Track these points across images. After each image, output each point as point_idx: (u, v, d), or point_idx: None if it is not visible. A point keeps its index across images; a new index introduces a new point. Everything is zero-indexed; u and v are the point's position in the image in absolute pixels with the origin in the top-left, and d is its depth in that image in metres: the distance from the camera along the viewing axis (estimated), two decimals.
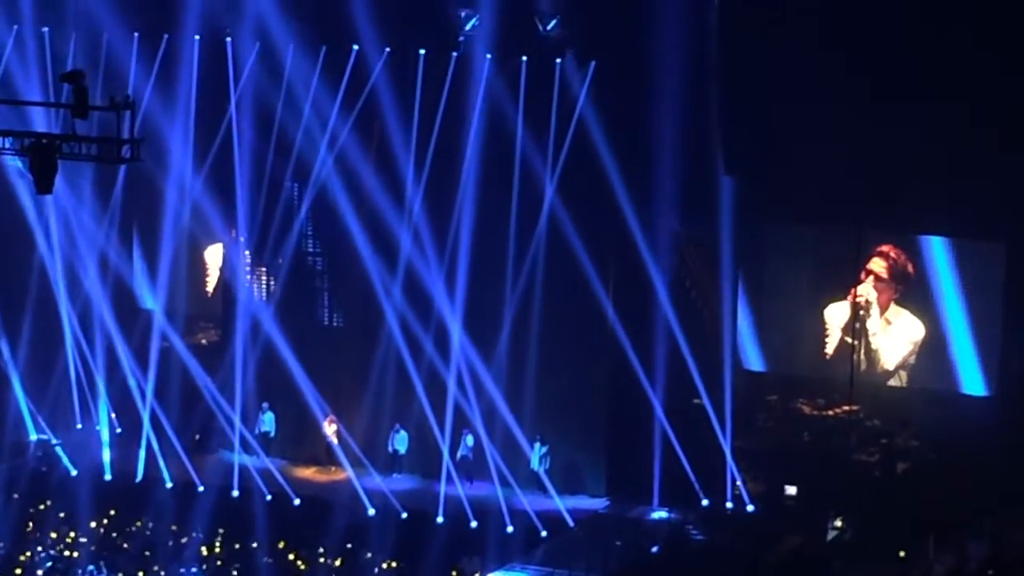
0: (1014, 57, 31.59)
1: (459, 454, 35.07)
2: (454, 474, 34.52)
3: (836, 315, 35.89)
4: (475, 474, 34.85)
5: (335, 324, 37.13)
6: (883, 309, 35.44)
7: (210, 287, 42.13)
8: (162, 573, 31.63)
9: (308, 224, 36.77)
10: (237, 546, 32.42)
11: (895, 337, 35.43)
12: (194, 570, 31.64)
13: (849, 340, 35.58)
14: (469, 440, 34.94)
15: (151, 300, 38.74)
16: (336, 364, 36.06)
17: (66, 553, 32.25)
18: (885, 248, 35.34)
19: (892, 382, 35.73)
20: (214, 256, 41.48)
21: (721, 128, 33.40)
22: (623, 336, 33.53)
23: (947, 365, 34.85)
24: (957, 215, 33.61)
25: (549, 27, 33.51)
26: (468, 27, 34.09)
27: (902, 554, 29.89)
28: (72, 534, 32.95)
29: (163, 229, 37.07)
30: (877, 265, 35.38)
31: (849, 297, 35.60)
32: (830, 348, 35.95)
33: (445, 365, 34.48)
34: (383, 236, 35.00)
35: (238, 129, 35.92)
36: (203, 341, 39.65)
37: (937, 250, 34.80)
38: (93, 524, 33.36)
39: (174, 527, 32.92)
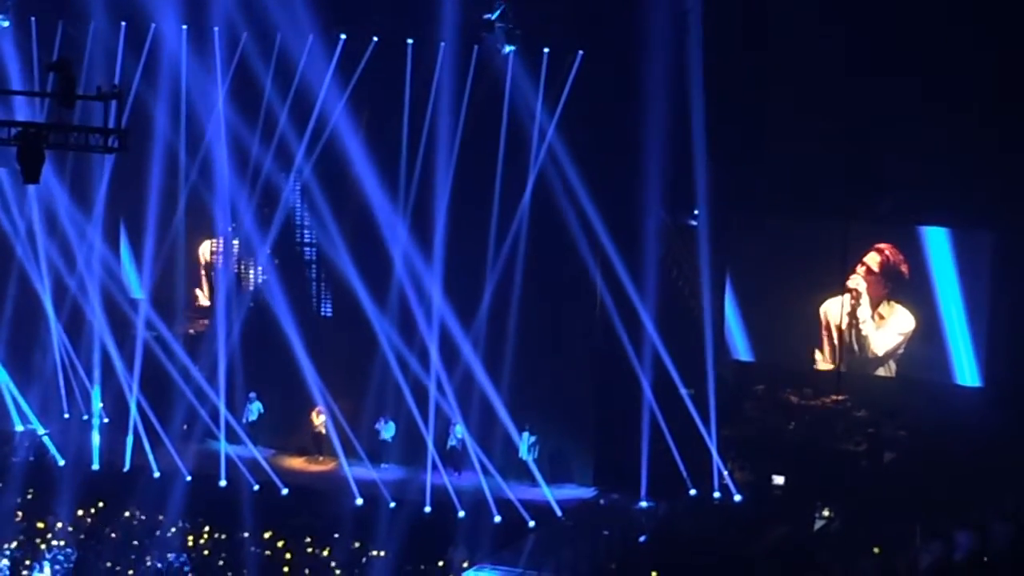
0: (1006, 48, 31.57)
1: (448, 444, 35.09)
2: (439, 464, 34.52)
3: (825, 306, 35.89)
4: (463, 464, 34.86)
5: (324, 314, 37.11)
6: (873, 301, 35.43)
7: (199, 277, 41.99)
8: (149, 562, 31.67)
9: (298, 214, 36.78)
10: (224, 536, 32.48)
11: (884, 328, 35.43)
12: (182, 559, 31.68)
13: (838, 331, 35.59)
14: (458, 430, 34.94)
15: (139, 290, 38.67)
16: (325, 354, 35.99)
17: (56, 543, 32.31)
18: (882, 245, 35.26)
19: (880, 372, 35.74)
20: (204, 245, 41.36)
21: (711, 118, 33.31)
22: (610, 326, 33.55)
23: (935, 355, 34.82)
24: (946, 204, 33.58)
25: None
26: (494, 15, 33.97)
27: (876, 551, 29.99)
28: (59, 524, 33.00)
29: (150, 218, 37.09)
30: (872, 259, 35.33)
31: (839, 288, 35.57)
32: (818, 338, 35.94)
33: (432, 355, 34.49)
34: (373, 226, 34.93)
35: (226, 119, 35.88)
36: (191, 331, 39.56)
37: (926, 240, 34.78)
38: (80, 513, 33.39)
39: (161, 516, 32.95)
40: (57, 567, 31.73)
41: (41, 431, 37.31)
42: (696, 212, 34.41)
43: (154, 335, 36.91)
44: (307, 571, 31.56)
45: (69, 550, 31.93)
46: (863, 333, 35.55)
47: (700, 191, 33.82)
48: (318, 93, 34.95)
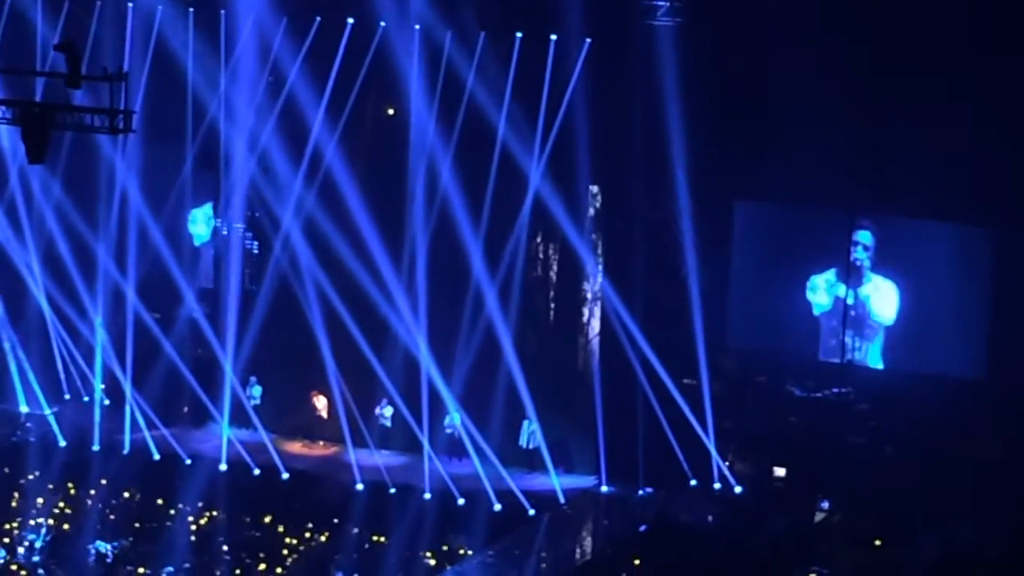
0: (1007, 42, 31.53)
1: (447, 431, 35.10)
2: (432, 453, 34.50)
3: (825, 297, 35.83)
4: (463, 452, 34.87)
5: (326, 298, 36.99)
6: (871, 292, 35.38)
7: (203, 259, 41.94)
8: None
9: (303, 199, 36.74)
10: (224, 519, 32.47)
11: (883, 321, 35.40)
12: (182, 542, 31.70)
13: (838, 323, 35.55)
14: (457, 418, 34.94)
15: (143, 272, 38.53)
16: (326, 338, 35.91)
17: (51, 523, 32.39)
18: (873, 231, 35.17)
19: (880, 365, 35.71)
20: (208, 228, 41.29)
21: (710, 107, 33.23)
22: (611, 315, 33.58)
23: (936, 349, 34.77)
24: (946, 199, 33.50)
25: None
26: None
27: (877, 542, 30.05)
28: (61, 504, 33.05)
29: (157, 198, 37.15)
30: (861, 253, 35.24)
31: (839, 279, 35.51)
32: (819, 331, 35.89)
33: (427, 342, 34.50)
34: (377, 210, 34.91)
35: (234, 101, 35.88)
36: (195, 313, 39.55)
37: (926, 234, 34.72)
38: (74, 491, 33.43)
39: (161, 499, 32.97)
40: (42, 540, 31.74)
41: (47, 411, 37.34)
42: (692, 199, 34.31)
43: (156, 316, 36.90)
44: (307, 556, 31.55)
45: (45, 528, 31.93)
46: (862, 330, 35.47)
47: (703, 181, 33.80)
48: (327, 78, 34.98)
